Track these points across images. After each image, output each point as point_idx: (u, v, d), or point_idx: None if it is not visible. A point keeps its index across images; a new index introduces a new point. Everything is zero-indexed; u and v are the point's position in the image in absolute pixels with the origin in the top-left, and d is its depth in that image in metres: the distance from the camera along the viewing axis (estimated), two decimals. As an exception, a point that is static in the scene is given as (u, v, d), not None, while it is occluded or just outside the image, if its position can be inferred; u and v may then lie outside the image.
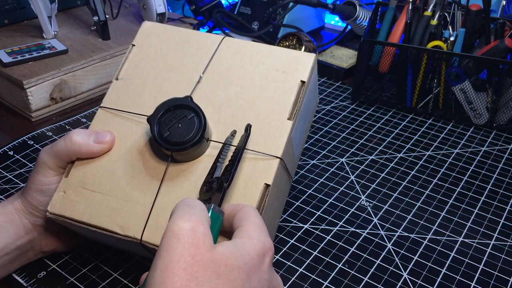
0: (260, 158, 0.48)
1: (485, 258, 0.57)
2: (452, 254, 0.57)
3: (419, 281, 0.53)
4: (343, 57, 1.02)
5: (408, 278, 0.54)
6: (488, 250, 0.58)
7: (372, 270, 0.55)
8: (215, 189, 0.42)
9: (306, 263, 0.55)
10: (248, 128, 0.47)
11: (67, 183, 0.49)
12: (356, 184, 0.68)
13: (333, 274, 0.54)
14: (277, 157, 0.48)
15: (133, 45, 0.56)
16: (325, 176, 0.69)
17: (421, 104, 0.85)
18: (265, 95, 0.51)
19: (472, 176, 0.70)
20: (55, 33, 0.92)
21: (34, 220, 0.51)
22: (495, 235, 0.60)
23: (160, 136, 0.46)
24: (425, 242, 0.59)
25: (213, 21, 1.10)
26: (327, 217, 0.62)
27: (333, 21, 1.23)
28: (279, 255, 0.56)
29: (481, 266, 0.56)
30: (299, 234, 0.59)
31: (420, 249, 0.58)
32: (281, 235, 0.59)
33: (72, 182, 0.49)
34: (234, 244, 0.37)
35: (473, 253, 0.57)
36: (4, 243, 0.49)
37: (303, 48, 0.93)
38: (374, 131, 0.81)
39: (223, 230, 0.42)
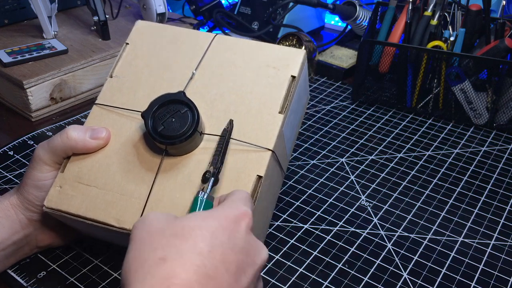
0: (252, 151, 0.49)
1: (485, 258, 0.57)
2: (452, 254, 0.57)
3: (419, 281, 0.53)
4: (343, 57, 1.02)
5: (408, 278, 0.54)
6: (488, 250, 0.58)
7: (372, 270, 0.55)
8: (209, 178, 0.45)
9: (306, 263, 0.55)
10: (230, 122, 0.49)
11: (63, 178, 0.49)
12: (356, 184, 0.68)
13: (333, 274, 0.54)
14: (269, 149, 0.49)
15: (127, 43, 0.57)
16: (325, 176, 0.69)
17: (421, 104, 0.85)
18: (256, 90, 0.52)
19: (472, 176, 0.70)
20: (55, 33, 0.92)
21: (30, 215, 0.51)
22: (495, 235, 0.60)
23: (154, 130, 0.46)
24: (425, 242, 0.59)
25: (213, 21, 1.10)
26: (327, 217, 0.62)
27: (333, 21, 1.23)
28: (279, 255, 0.56)
29: (481, 266, 0.56)
30: (299, 234, 0.59)
31: (420, 249, 0.58)
32: (281, 235, 0.59)
33: (68, 177, 0.49)
34: (204, 212, 0.40)
35: (473, 253, 0.57)
36: (0, 238, 0.49)
37: (303, 48, 0.93)
38: (374, 131, 0.81)
39: None
